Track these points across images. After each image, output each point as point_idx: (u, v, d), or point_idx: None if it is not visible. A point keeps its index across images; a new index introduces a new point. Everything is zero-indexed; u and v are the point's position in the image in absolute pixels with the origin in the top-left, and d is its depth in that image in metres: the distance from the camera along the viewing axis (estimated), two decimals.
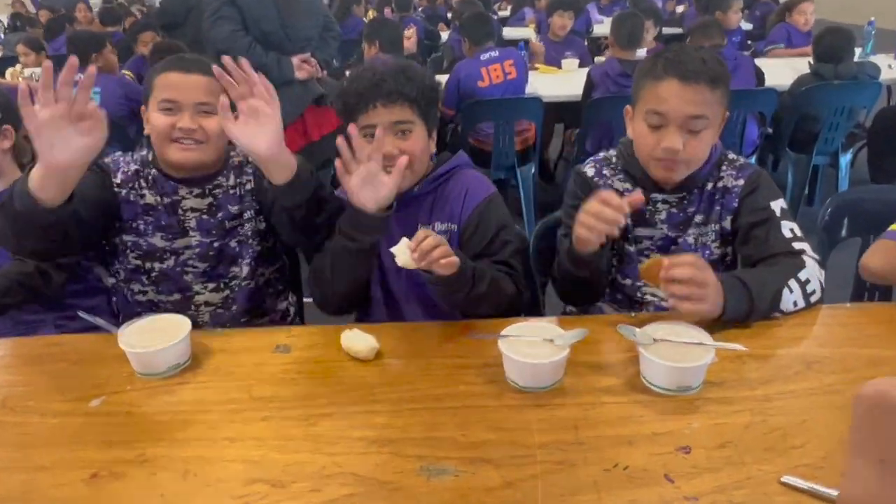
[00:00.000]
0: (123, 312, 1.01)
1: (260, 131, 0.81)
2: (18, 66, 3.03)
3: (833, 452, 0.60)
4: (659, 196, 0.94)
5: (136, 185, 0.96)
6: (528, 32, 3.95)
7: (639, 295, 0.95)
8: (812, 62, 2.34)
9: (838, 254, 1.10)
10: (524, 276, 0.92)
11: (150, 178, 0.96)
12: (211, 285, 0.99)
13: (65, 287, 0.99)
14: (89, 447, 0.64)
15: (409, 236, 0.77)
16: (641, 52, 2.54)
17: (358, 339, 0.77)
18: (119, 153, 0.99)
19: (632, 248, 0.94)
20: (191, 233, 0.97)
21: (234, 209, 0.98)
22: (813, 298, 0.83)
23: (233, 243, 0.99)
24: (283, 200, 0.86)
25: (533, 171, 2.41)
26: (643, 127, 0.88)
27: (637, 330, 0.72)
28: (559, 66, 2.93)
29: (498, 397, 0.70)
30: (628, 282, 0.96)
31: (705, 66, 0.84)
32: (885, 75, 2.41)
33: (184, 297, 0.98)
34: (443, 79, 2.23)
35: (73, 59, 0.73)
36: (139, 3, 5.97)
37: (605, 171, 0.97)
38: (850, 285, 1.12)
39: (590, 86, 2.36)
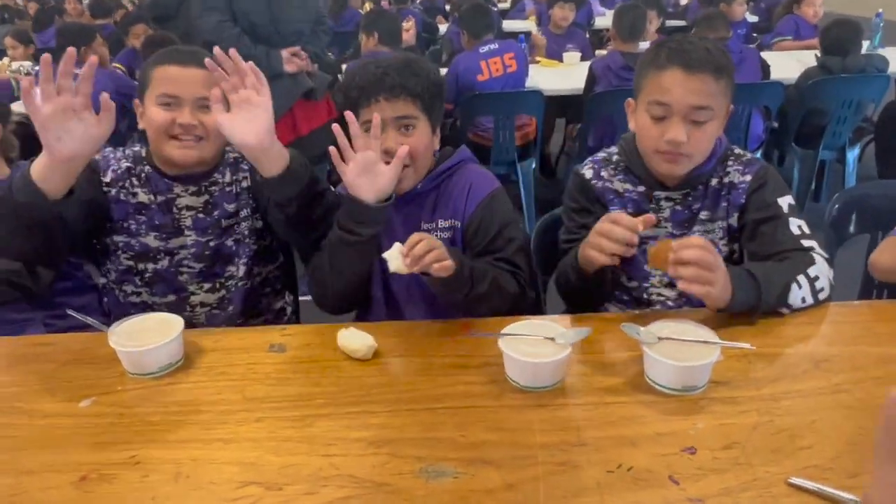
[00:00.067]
0: (115, 313, 0.99)
1: (251, 122, 0.80)
2: (6, 60, 3.01)
3: (842, 453, 0.59)
4: (662, 193, 0.92)
5: (128, 184, 0.94)
6: (528, 25, 3.92)
7: (645, 296, 0.94)
8: (819, 55, 2.32)
9: (845, 251, 1.09)
10: (530, 275, 0.91)
11: (142, 175, 0.94)
12: (206, 285, 0.97)
13: (53, 285, 0.98)
14: (79, 449, 0.63)
15: (413, 233, 0.76)
16: (644, 45, 2.50)
17: (355, 338, 0.76)
18: (109, 149, 0.97)
19: (634, 250, 0.92)
20: (186, 232, 0.95)
21: (230, 207, 0.96)
22: (821, 296, 0.82)
23: (229, 242, 0.97)
24: (275, 194, 0.84)
25: (533, 166, 2.39)
26: (646, 119, 0.86)
27: (641, 328, 0.71)
28: (560, 60, 2.91)
29: (498, 397, 0.69)
30: (634, 283, 0.94)
31: (710, 56, 0.83)
32: (894, 68, 2.37)
33: (178, 298, 0.96)
34: (441, 72, 2.19)
35: (72, 50, 0.72)
36: None
37: (602, 173, 0.95)
38: (857, 283, 1.10)
39: (592, 79, 2.34)
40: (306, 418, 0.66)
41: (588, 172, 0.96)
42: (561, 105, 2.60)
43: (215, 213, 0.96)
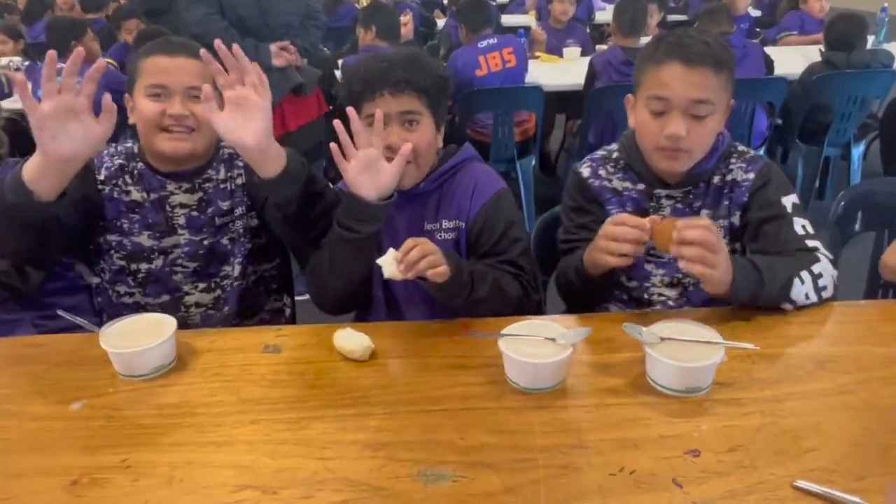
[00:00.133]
0: (108, 313, 0.98)
1: (248, 122, 0.77)
2: None
3: (848, 455, 0.58)
4: (663, 191, 0.91)
5: (121, 182, 0.92)
6: (527, 19, 3.89)
7: (645, 296, 0.93)
8: (823, 50, 2.29)
9: (850, 249, 1.08)
10: (534, 277, 0.89)
11: (135, 172, 0.93)
12: (201, 285, 0.96)
13: (42, 286, 0.96)
14: (70, 452, 0.62)
15: (415, 235, 0.75)
16: (645, 40, 2.48)
17: (351, 339, 0.75)
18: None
19: (643, 249, 0.91)
20: (179, 230, 0.93)
21: (224, 205, 0.95)
22: (825, 294, 0.81)
23: (224, 241, 0.95)
24: (273, 195, 0.83)
25: (533, 163, 2.38)
26: (645, 114, 0.85)
27: (643, 328, 0.70)
28: (560, 55, 2.89)
29: (498, 399, 0.68)
30: (634, 283, 0.93)
31: (709, 49, 0.81)
32: None
33: (172, 298, 0.95)
34: None
35: (80, 50, 0.71)
36: None
37: (601, 171, 0.94)
38: (863, 281, 1.09)
39: (592, 75, 2.33)
40: (302, 420, 0.65)
41: (586, 171, 0.95)
42: (561, 101, 2.58)
43: (209, 210, 0.94)
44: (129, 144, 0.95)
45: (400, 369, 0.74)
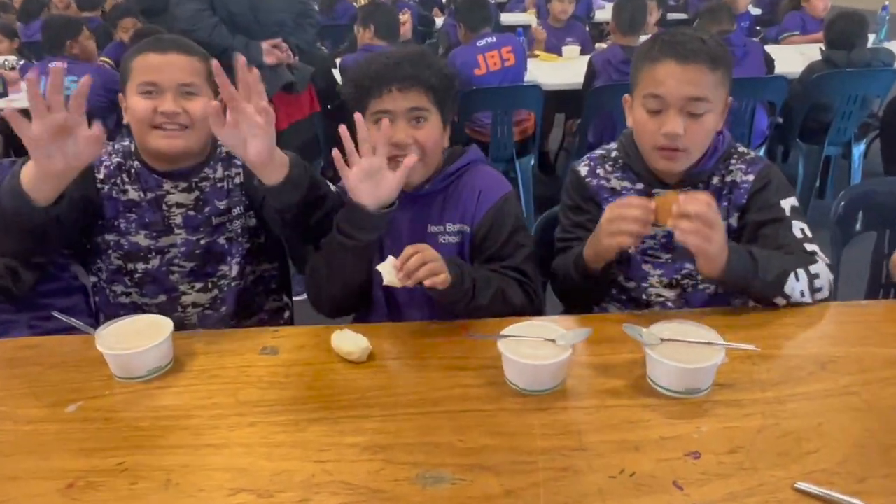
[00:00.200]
0: (105, 314, 0.97)
1: (251, 139, 0.75)
2: None
3: (850, 457, 0.58)
4: (662, 192, 0.90)
5: (119, 181, 0.92)
6: (526, 18, 3.88)
7: (644, 297, 0.92)
8: (824, 49, 2.29)
9: (851, 249, 1.07)
10: (537, 283, 0.89)
11: (132, 171, 0.92)
12: (198, 285, 0.95)
13: (35, 287, 0.96)
14: (65, 455, 0.62)
15: (419, 237, 0.74)
16: (645, 38, 2.47)
17: (349, 340, 0.74)
18: None
19: (631, 250, 0.91)
20: (176, 230, 0.92)
21: (221, 204, 0.94)
22: (818, 295, 0.81)
23: (221, 240, 0.95)
24: (273, 201, 0.82)
25: (532, 163, 2.37)
26: (642, 113, 0.85)
27: (643, 329, 0.69)
28: (560, 53, 2.88)
29: (497, 400, 0.67)
30: (632, 284, 0.93)
31: (704, 47, 0.81)
32: None
33: (169, 298, 0.94)
34: None
35: (59, 66, 0.69)
36: None
37: (598, 170, 0.93)
38: (863, 281, 1.09)
39: (591, 74, 2.32)
40: (299, 423, 0.65)
41: (583, 170, 0.94)
42: (560, 100, 2.57)
43: (206, 210, 0.94)
44: (126, 143, 0.94)
45: (398, 371, 0.74)
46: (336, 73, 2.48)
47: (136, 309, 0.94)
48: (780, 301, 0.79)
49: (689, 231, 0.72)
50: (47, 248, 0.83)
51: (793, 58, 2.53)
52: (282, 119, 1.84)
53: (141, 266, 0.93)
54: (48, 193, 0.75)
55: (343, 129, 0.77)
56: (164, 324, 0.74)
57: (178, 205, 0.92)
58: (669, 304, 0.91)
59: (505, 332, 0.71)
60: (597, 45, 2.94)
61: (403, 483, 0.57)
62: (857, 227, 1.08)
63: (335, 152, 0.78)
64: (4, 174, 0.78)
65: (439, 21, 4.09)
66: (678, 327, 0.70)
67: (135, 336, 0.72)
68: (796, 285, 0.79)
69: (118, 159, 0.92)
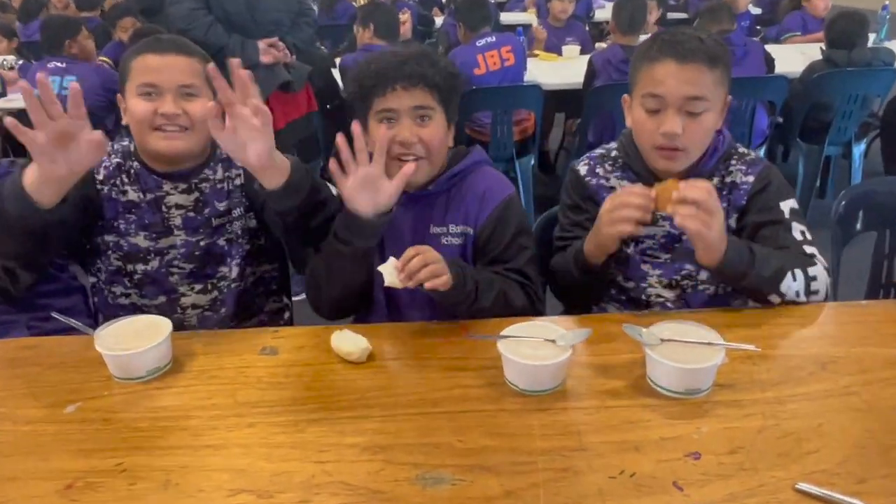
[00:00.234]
0: (104, 314, 0.97)
1: (250, 143, 0.74)
2: None
3: (850, 458, 0.58)
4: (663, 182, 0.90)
5: (118, 181, 0.91)
6: (526, 17, 3.87)
7: (643, 297, 0.92)
8: (824, 48, 2.29)
9: (851, 249, 1.07)
10: (539, 286, 0.89)
11: (132, 172, 0.92)
12: (198, 287, 0.95)
13: (33, 288, 0.95)
14: (64, 456, 0.62)
15: (421, 237, 0.74)
16: (645, 38, 2.47)
17: (349, 341, 0.74)
18: None
19: (630, 250, 0.91)
20: (175, 231, 0.92)
21: (221, 206, 0.94)
22: (814, 298, 0.81)
23: (221, 242, 0.95)
24: (274, 204, 0.81)
25: (532, 162, 2.37)
26: (641, 113, 0.85)
27: (643, 329, 0.69)
28: (559, 53, 2.88)
29: (497, 401, 0.67)
30: (631, 284, 0.92)
31: (702, 46, 0.81)
32: None
33: (169, 299, 0.94)
34: None
35: (43, 77, 0.70)
36: None
37: (598, 170, 0.93)
38: (864, 281, 1.09)
39: (591, 73, 2.32)
40: (299, 423, 0.65)
41: (583, 169, 0.94)
42: (560, 99, 2.57)
43: (206, 211, 0.93)
44: (125, 143, 0.94)
45: (398, 371, 0.74)
46: (335, 73, 2.47)
47: (136, 310, 0.93)
48: (775, 299, 0.79)
49: (688, 215, 0.72)
50: (49, 249, 0.83)
51: (793, 57, 2.53)
52: (279, 118, 1.83)
53: (140, 267, 0.93)
54: (51, 197, 0.75)
55: (340, 139, 0.76)
56: (164, 324, 0.74)
57: (178, 206, 0.92)
58: (669, 304, 0.91)
59: (505, 332, 0.71)
60: (597, 45, 2.94)
61: (403, 484, 0.57)
62: (858, 226, 1.08)
63: (332, 162, 0.78)
64: (3, 174, 0.78)
65: (439, 21, 4.08)
66: (678, 327, 0.70)
67: (134, 337, 0.72)
68: (793, 285, 0.79)
69: (118, 160, 0.92)
